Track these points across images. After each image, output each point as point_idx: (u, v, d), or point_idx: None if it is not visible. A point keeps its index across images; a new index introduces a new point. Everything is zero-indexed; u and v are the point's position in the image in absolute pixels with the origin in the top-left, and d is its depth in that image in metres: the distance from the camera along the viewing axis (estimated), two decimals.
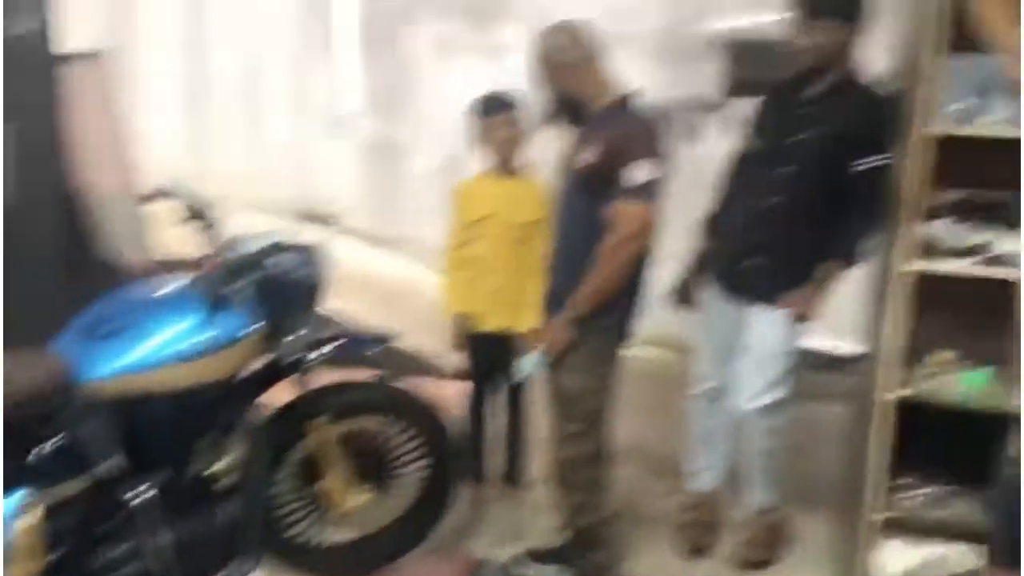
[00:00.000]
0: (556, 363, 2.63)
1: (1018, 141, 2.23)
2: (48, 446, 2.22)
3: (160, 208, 2.56)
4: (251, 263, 2.43)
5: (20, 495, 2.09)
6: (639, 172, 2.43)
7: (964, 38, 2.28)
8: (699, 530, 3.10)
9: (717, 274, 2.96)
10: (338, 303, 2.87)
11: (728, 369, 2.96)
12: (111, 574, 2.31)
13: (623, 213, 2.44)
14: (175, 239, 2.88)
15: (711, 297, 2.98)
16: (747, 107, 3.05)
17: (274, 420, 2.61)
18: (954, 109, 2.40)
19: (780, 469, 2.98)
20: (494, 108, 2.99)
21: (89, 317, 2.37)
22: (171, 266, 2.74)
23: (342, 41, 5.36)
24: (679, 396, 3.20)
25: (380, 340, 2.80)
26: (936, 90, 2.37)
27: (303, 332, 2.51)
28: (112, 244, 3.74)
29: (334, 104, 5.47)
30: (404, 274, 5.15)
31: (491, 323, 3.06)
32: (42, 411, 2.22)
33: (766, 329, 2.81)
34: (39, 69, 3.17)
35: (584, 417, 2.61)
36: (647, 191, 2.44)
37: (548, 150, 2.79)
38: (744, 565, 2.99)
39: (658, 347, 4.38)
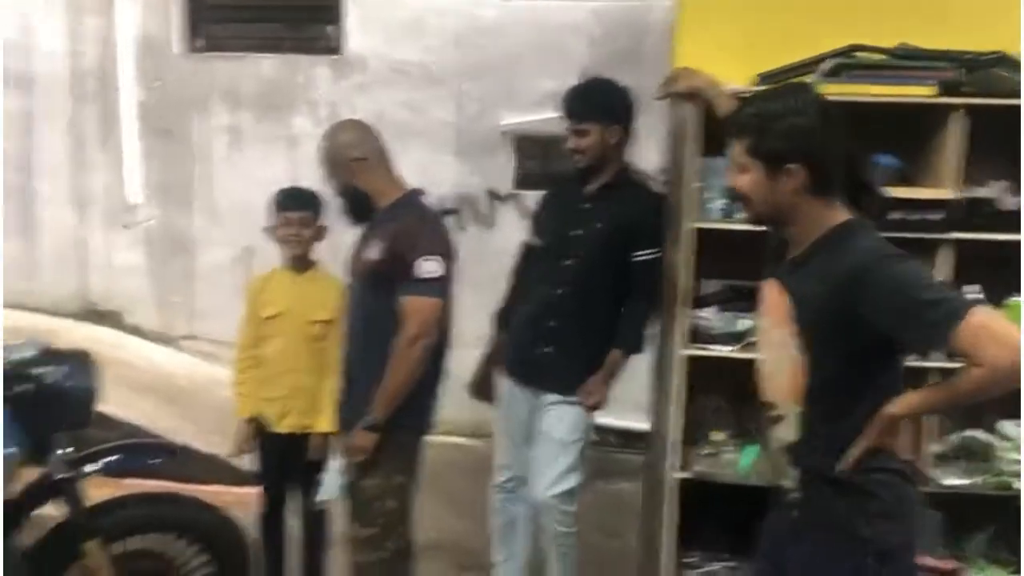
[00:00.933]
0: (356, 468, 2.55)
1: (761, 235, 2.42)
2: None
3: None
4: (14, 375, 2.26)
5: None
6: (425, 267, 2.46)
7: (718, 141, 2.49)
8: None
9: (510, 364, 3.03)
10: (124, 407, 2.71)
11: (526, 458, 3.00)
12: None
13: (412, 309, 2.46)
14: None
15: (507, 387, 3.04)
16: (536, 199, 3.19)
17: (45, 542, 2.43)
18: (714, 205, 2.62)
19: (576, 554, 3.02)
20: (290, 203, 2.95)
21: None
22: None
23: (124, 133, 5.16)
24: (487, 485, 3.21)
25: (165, 449, 2.65)
26: (698, 188, 2.58)
27: (74, 447, 2.35)
28: None
29: (116, 197, 5.23)
30: (194, 373, 4.92)
31: (285, 424, 2.95)
32: None
33: (559, 418, 2.89)
34: None
35: (380, 520, 2.54)
36: (434, 286, 2.47)
37: (344, 246, 2.78)
38: None
39: (466, 435, 4.39)
